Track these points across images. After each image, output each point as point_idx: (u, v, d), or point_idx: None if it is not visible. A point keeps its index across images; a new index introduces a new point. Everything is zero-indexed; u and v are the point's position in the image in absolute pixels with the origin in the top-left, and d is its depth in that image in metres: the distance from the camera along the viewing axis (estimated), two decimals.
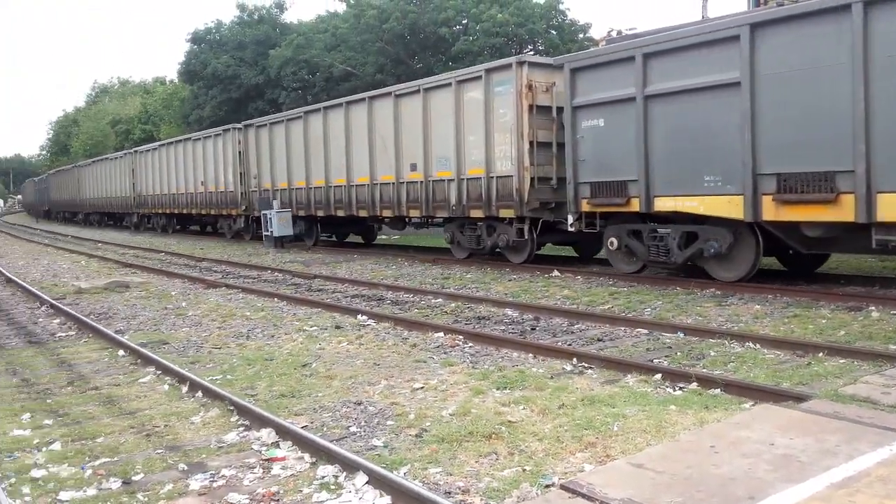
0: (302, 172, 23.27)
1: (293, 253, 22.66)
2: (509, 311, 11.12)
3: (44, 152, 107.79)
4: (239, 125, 28.16)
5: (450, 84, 17.05)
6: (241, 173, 27.55)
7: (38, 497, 4.87)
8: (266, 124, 25.77)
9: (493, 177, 15.98)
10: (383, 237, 27.43)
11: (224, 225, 30.21)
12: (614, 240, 13.66)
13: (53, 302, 13.14)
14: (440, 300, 12.45)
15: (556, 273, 14.75)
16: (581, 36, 33.30)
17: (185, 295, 14.26)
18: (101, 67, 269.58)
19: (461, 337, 9.19)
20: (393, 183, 19.09)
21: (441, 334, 9.42)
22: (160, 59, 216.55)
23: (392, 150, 19.01)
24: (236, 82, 41.69)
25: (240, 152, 27.57)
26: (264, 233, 24.65)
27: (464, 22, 33.97)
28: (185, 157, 32.41)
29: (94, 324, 10.85)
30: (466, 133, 16.64)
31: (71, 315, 11.78)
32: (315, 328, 10.35)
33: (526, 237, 15.63)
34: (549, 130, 15.25)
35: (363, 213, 20.74)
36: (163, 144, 36.03)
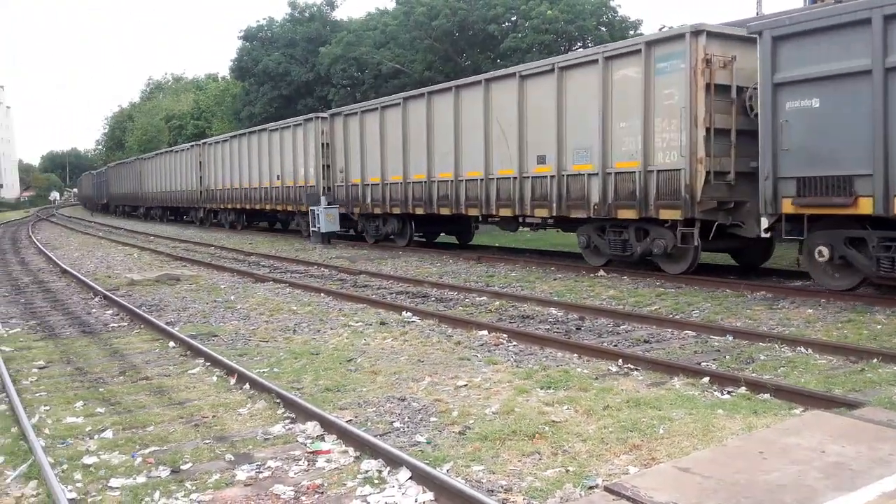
0: (398, 166, 20.90)
1: (339, 249, 22.86)
2: (554, 311, 11.06)
3: (99, 147, 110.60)
4: (324, 114, 26.07)
5: (595, 61, 14.49)
6: (324, 166, 25.29)
7: (90, 483, 4.99)
8: (356, 112, 23.31)
9: (651, 171, 13.50)
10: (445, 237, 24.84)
11: (302, 223, 27.60)
12: (824, 249, 11.14)
13: (107, 293, 13.45)
14: (484, 298, 12.44)
15: (601, 273, 14.63)
16: (632, 33, 32.91)
17: (234, 288, 14.48)
18: (155, 64, 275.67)
19: (505, 335, 9.17)
20: (514, 177, 16.69)
21: (485, 332, 9.41)
22: (213, 56, 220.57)
23: (514, 140, 16.58)
24: (287, 79, 42.18)
25: (324, 144, 25.29)
26: (311, 228, 24.91)
27: (513, 19, 33.85)
28: (261, 149, 30.22)
29: (145, 315, 11.08)
30: (615, 119, 14.19)
31: (123, 306, 12.05)
32: (360, 324, 10.43)
33: (692, 243, 13.15)
34: (727, 115, 12.78)
35: (473, 212, 18.52)
36: (234, 136, 33.76)
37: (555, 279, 14.38)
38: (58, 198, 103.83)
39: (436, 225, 22.38)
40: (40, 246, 26.48)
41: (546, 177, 15.88)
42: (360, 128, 22.93)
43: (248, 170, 31.65)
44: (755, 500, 3.91)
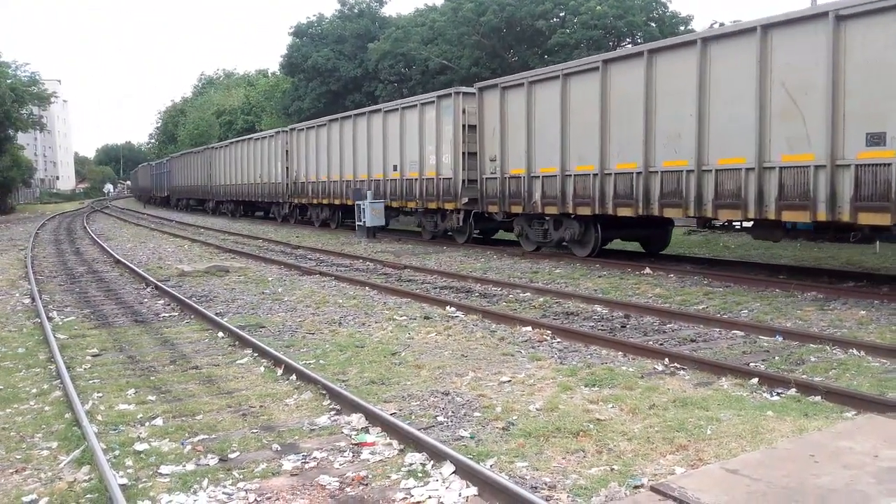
0: (591, 152, 16.02)
1: (384, 243, 22.98)
2: (598, 308, 10.98)
3: (152, 140, 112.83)
4: (468, 88, 21.00)
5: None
6: (463, 154, 20.59)
7: (140, 470, 5.11)
8: (521, 83, 17.94)
9: None
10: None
11: (428, 222, 22.99)
12: None
13: (158, 283, 13.73)
14: (528, 294, 12.40)
15: (647, 270, 14.47)
16: (682, 28, 32.44)
17: (282, 281, 14.66)
18: (207, 60, 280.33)
19: (549, 332, 9.13)
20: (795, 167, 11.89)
21: (529, 328, 9.38)
22: (263, 52, 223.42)
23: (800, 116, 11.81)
24: (335, 75, 42.51)
25: (464, 126, 20.59)
26: (357, 223, 25.07)
27: (561, 14, 33.61)
28: (371, 134, 25.51)
29: (195, 306, 11.29)
30: None
31: (174, 297, 12.29)
32: (405, 318, 10.47)
33: None
34: None
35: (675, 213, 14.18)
36: (333, 119, 29.08)
37: (599, 276, 14.27)
38: (111, 190, 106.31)
39: (627, 228, 17.26)
40: (94, 237, 27.12)
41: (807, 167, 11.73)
42: (526, 104, 17.71)
43: (351, 159, 27.00)
44: None
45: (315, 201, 30.65)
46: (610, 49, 29.36)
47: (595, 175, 15.84)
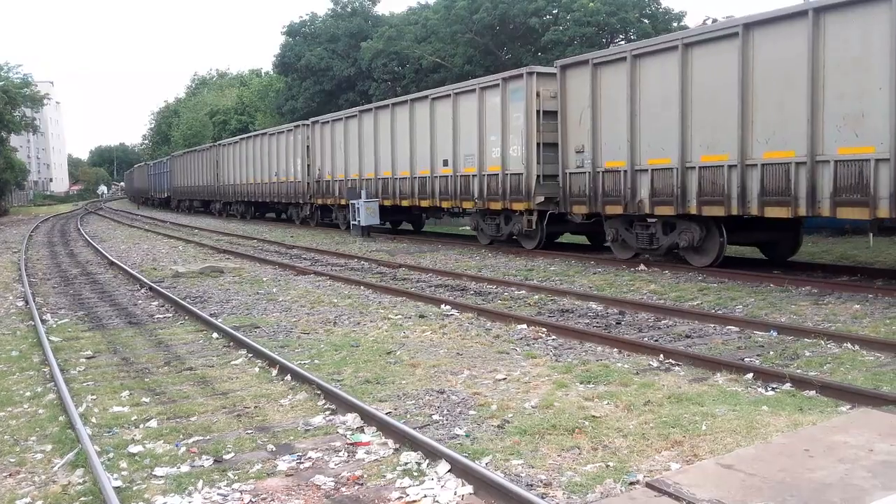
0: (718, 136, 13.18)
1: (379, 242, 22.96)
2: (593, 305, 10.98)
3: (146, 141, 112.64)
4: (544, 68, 17.91)
5: None
6: (538, 145, 17.39)
7: (135, 472, 5.09)
8: (623, 57, 14.89)
9: None
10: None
11: (488, 225, 19.69)
12: None
13: (152, 285, 13.70)
14: (523, 292, 12.39)
15: (642, 267, 14.47)
16: (675, 25, 32.48)
17: (276, 281, 14.64)
18: (200, 60, 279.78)
19: (544, 329, 9.13)
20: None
21: (524, 326, 9.38)
22: (256, 52, 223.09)
23: None
24: (328, 74, 42.48)
25: (539, 112, 17.29)
26: (352, 222, 25.00)
27: (554, 12, 33.63)
28: (415, 124, 22.01)
29: (190, 307, 11.26)
30: None
31: (168, 298, 12.26)
32: (399, 316, 10.46)
33: None
34: None
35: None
36: (365, 110, 25.61)
37: (594, 273, 14.27)
38: (105, 191, 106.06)
39: (752, 231, 14.46)
40: (88, 238, 27.05)
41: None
42: (629, 82, 14.63)
43: (389, 154, 23.62)
44: (801, 499, 3.84)
45: (343, 202, 27.12)
46: (603, 46, 29.37)
47: (731, 167, 12.89)
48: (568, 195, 16.53)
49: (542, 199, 17.55)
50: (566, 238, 20.43)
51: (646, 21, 32.99)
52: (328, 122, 28.58)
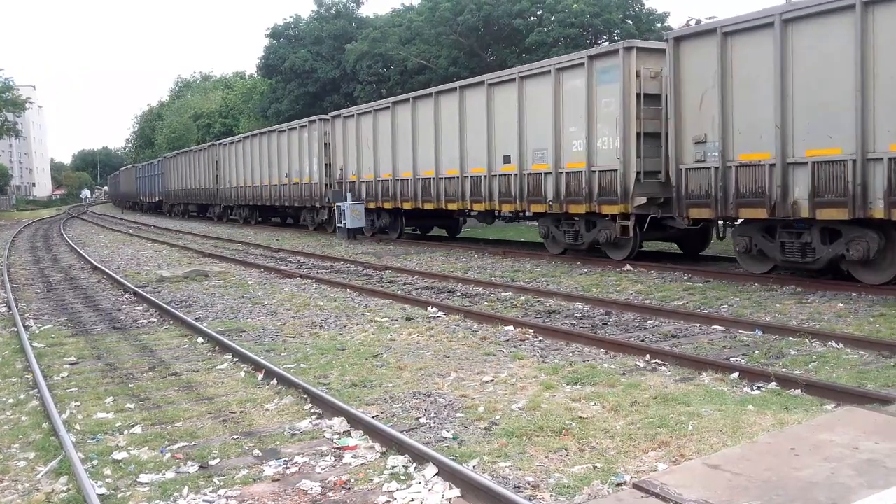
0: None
1: (365, 245, 22.92)
2: (580, 306, 11.00)
3: (129, 145, 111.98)
4: (648, 42, 15.73)
5: None
6: (637, 136, 14.61)
7: (119, 479, 5.04)
8: (745, 28, 12.22)
9: None
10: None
11: (563, 232, 16.79)
12: None
13: (136, 289, 13.60)
14: (510, 293, 12.40)
15: (627, 267, 14.51)
16: (658, 25, 32.64)
17: (262, 284, 14.57)
18: (184, 62, 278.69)
19: (531, 331, 9.13)
20: None
21: (511, 328, 9.37)
22: (241, 54, 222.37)
23: None
24: (313, 76, 42.41)
25: (639, 96, 14.57)
26: (337, 224, 24.94)
27: (538, 13, 33.72)
28: (465, 116, 19.30)
29: (174, 311, 11.18)
30: None
31: (153, 303, 12.17)
32: (386, 319, 10.44)
33: None
34: None
35: None
36: (400, 101, 22.72)
37: (580, 274, 14.30)
38: (89, 196, 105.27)
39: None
40: (71, 243, 26.84)
41: None
42: (776, 53, 11.67)
43: (432, 150, 20.69)
44: (787, 498, 3.85)
45: (372, 205, 24.27)
46: (587, 48, 29.44)
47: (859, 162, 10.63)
48: (683, 196, 13.42)
49: (643, 200, 14.73)
50: (650, 246, 17.65)
51: (629, 22, 33.15)
52: (352, 116, 25.38)
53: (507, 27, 33.56)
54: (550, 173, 16.53)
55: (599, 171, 15.33)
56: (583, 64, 15.51)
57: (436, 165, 20.63)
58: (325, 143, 27.49)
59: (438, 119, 20.45)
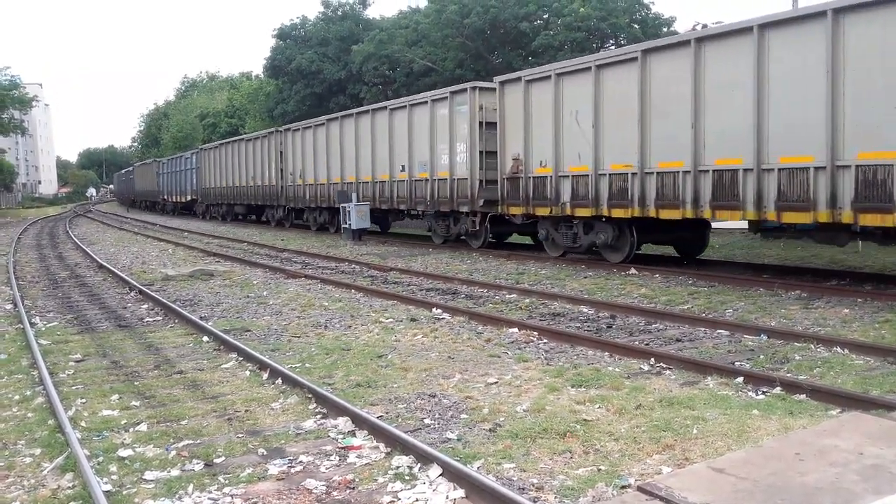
0: None
1: (369, 246, 22.93)
2: (585, 309, 11.00)
3: (135, 144, 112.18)
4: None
5: None
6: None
7: (125, 476, 5.06)
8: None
9: None
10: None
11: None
12: None
13: (142, 288, 13.63)
14: (514, 296, 12.40)
15: (632, 271, 14.51)
16: (665, 30, 32.60)
17: (267, 284, 14.59)
18: (191, 62, 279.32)
19: (536, 333, 9.13)
20: None
21: (515, 330, 9.38)
22: (247, 55, 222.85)
23: None
24: (319, 77, 42.40)
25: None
26: (343, 225, 24.99)
27: (545, 16, 33.70)
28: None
29: (180, 310, 11.21)
30: None
31: (158, 301, 12.20)
32: (391, 320, 10.45)
33: None
34: None
35: None
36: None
37: (585, 277, 14.29)
38: (94, 194, 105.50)
39: None
40: (77, 241, 26.91)
41: None
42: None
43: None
44: (792, 503, 3.85)
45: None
46: (594, 51, 29.44)
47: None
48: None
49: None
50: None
51: (636, 26, 33.09)
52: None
53: (514, 30, 33.52)
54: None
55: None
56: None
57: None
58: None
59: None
